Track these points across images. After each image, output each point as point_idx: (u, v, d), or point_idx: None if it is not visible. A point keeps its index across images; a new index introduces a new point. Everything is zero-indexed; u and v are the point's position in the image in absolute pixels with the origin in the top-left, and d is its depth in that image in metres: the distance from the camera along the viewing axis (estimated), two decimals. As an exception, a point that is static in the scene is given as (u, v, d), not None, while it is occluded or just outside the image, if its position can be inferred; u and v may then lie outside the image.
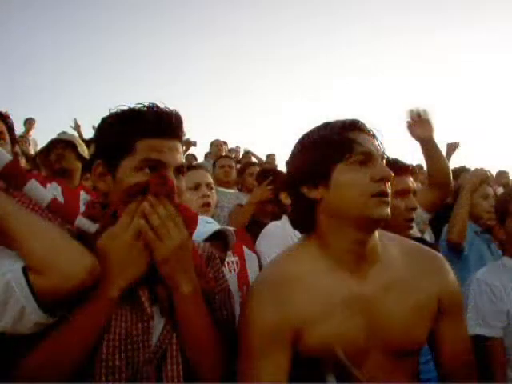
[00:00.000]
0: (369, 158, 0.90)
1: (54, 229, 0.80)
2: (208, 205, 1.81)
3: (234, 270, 1.92)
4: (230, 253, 1.86)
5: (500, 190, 3.72)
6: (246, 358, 0.89)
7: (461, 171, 3.58)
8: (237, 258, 1.96)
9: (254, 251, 2.14)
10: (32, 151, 5.08)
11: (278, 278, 0.93)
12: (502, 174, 5.77)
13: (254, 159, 6.49)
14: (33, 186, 0.85)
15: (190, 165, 2.12)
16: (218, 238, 1.37)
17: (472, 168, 2.66)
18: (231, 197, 3.25)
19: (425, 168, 2.54)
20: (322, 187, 0.92)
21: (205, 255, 1.03)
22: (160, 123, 0.88)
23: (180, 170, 0.92)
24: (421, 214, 1.98)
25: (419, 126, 1.88)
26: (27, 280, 0.74)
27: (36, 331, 0.77)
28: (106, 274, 0.82)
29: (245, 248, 2.08)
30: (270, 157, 6.92)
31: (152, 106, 0.90)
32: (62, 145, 2.42)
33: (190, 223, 0.89)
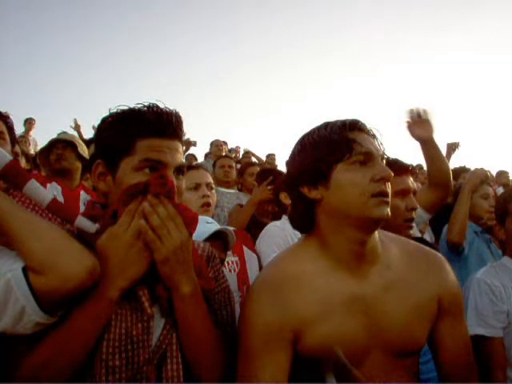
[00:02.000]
0: (369, 158, 0.90)
1: (55, 229, 0.80)
2: (208, 205, 1.81)
3: (234, 270, 1.91)
4: (230, 253, 1.86)
5: (500, 190, 3.72)
6: (246, 358, 0.89)
7: (461, 171, 3.58)
8: (237, 258, 1.96)
9: (254, 251, 2.14)
10: (32, 151, 5.08)
11: (277, 278, 0.93)
12: (502, 174, 5.78)
13: (254, 159, 6.50)
14: (33, 186, 0.85)
15: (190, 165, 2.11)
16: (217, 238, 1.37)
17: (472, 168, 2.66)
18: (231, 197, 3.25)
19: (425, 168, 2.54)
20: (322, 187, 0.92)
21: (205, 255, 1.03)
22: (160, 123, 0.88)
23: (180, 170, 0.92)
24: (421, 214, 1.98)
25: (419, 125, 1.88)
26: (27, 280, 0.74)
27: (36, 331, 0.77)
28: (105, 274, 0.82)
29: (245, 248, 2.07)
30: (270, 157, 6.93)
31: (152, 106, 0.90)
32: (62, 145, 2.41)
33: (190, 223, 0.89)
